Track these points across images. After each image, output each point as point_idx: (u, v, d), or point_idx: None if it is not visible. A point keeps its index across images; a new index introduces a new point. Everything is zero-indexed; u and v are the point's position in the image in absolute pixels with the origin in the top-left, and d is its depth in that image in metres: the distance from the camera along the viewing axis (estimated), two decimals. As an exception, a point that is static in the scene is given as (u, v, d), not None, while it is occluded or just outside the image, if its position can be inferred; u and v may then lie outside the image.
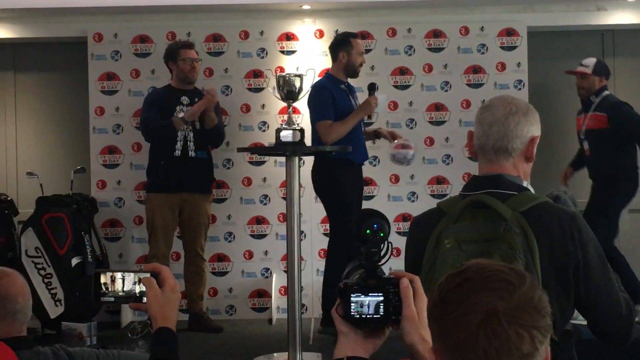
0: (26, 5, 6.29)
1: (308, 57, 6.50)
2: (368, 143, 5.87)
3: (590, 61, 5.99)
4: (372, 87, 5.58)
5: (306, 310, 6.12)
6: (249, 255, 6.50)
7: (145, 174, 6.18)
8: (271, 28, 6.56)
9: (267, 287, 6.43)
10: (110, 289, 1.95)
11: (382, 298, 1.51)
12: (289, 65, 6.47)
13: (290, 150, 5.01)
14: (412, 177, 6.52)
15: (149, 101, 5.98)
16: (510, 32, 6.56)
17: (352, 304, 1.50)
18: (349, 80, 5.75)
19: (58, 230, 5.82)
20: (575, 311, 2.26)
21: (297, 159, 5.05)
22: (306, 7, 6.44)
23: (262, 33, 6.55)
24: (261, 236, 6.51)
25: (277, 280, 6.36)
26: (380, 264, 1.54)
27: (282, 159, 5.49)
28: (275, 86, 5.23)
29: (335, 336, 1.57)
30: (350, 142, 5.43)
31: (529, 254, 2.09)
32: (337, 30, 6.41)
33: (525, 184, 2.32)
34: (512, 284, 1.29)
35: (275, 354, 5.17)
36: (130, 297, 1.96)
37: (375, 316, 1.50)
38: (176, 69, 5.94)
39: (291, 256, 5.00)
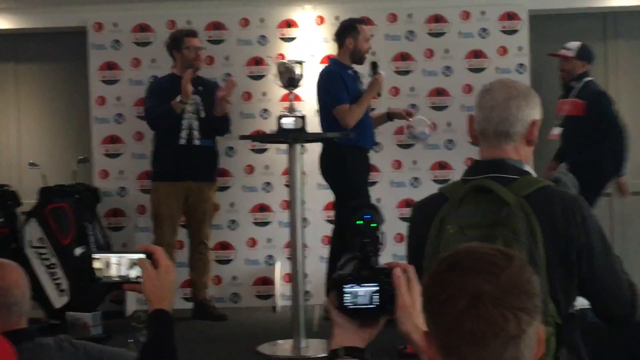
0: (25, -5, 6.28)
1: (308, 44, 6.49)
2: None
3: (574, 45, 5.91)
4: (374, 66, 5.59)
5: (310, 297, 6.13)
6: (253, 242, 6.51)
7: (147, 163, 6.18)
8: (271, 15, 6.54)
9: (270, 274, 6.43)
10: (104, 275, 1.93)
11: (375, 288, 1.51)
12: (290, 52, 6.45)
13: (292, 137, 5.00)
14: (414, 162, 6.51)
15: (151, 90, 5.97)
16: (511, 16, 6.53)
17: (346, 295, 1.51)
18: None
19: (61, 221, 5.82)
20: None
21: (299, 146, 5.04)
22: (306, -7, 6.43)
23: (262, 20, 6.54)
24: (264, 224, 6.51)
25: (281, 268, 6.37)
26: (372, 254, 1.54)
27: (284, 146, 5.48)
28: (277, 73, 5.22)
29: None
30: (359, 128, 5.44)
31: (532, 238, 2.09)
32: (337, 16, 6.40)
33: (527, 167, 2.31)
34: (498, 266, 1.30)
35: (279, 341, 5.17)
36: (125, 281, 1.94)
37: (369, 306, 1.51)
38: (181, 57, 5.93)
39: (295, 243, 5.01)
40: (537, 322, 1.30)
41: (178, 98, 5.75)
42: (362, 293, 1.51)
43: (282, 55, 6.39)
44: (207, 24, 6.50)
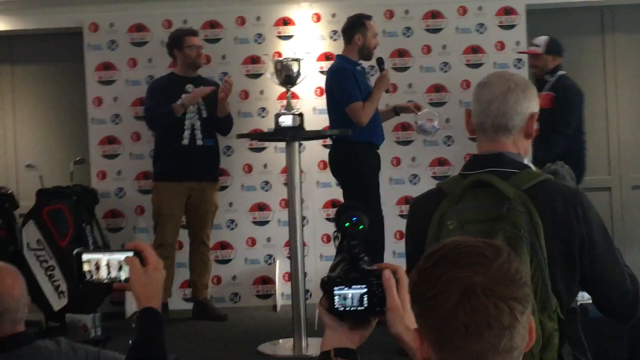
0: (20, -4, 6.25)
1: (305, 42, 6.46)
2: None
3: (542, 40, 5.82)
4: (381, 62, 5.60)
5: (310, 296, 6.10)
6: (252, 242, 6.48)
7: (145, 163, 6.15)
8: (268, 13, 6.52)
9: (270, 273, 6.41)
10: (94, 277, 1.91)
11: (365, 290, 1.51)
12: (287, 50, 6.42)
13: (290, 135, 4.98)
14: (413, 159, 6.49)
15: (152, 90, 5.94)
16: (508, 11, 6.51)
17: (336, 297, 1.51)
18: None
19: (59, 222, 5.80)
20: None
21: (297, 143, 5.02)
22: (302, -9, 6.40)
23: (258, 19, 6.51)
24: (263, 223, 6.49)
25: (281, 267, 6.34)
26: (361, 256, 1.54)
27: (282, 144, 5.46)
28: (274, 71, 5.20)
29: None
30: (370, 124, 5.43)
31: (533, 232, 2.07)
32: (334, 13, 6.39)
33: (526, 161, 2.29)
34: (487, 258, 1.30)
35: (280, 340, 5.16)
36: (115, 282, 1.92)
37: (359, 308, 1.51)
38: (182, 56, 5.90)
39: (294, 242, 4.99)
40: (529, 311, 1.31)
41: (180, 100, 5.72)
42: (351, 295, 1.51)
43: (279, 54, 6.36)
44: (204, 23, 6.47)
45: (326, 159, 6.27)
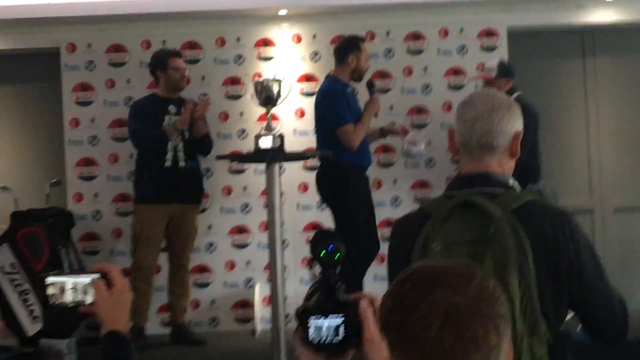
0: (-4, 17, 6.16)
1: (286, 63, 6.42)
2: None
3: (493, 64, 5.81)
4: (371, 85, 5.60)
5: (291, 320, 6.01)
6: (231, 265, 6.40)
7: (123, 185, 6.07)
8: (248, 34, 6.47)
9: (250, 297, 6.32)
10: (59, 300, 1.84)
11: (341, 320, 1.46)
12: (267, 71, 6.37)
13: (270, 156, 4.92)
14: (394, 181, 6.44)
15: (135, 112, 5.84)
16: (490, 33, 6.50)
17: (311, 328, 1.46)
18: None
19: (33, 246, 5.70)
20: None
21: (277, 165, 4.96)
22: (282, 12, 6.35)
23: (238, 39, 6.46)
24: (243, 246, 6.41)
25: (260, 291, 6.25)
26: (338, 285, 1.48)
27: (262, 167, 5.40)
28: (254, 92, 5.15)
29: None
30: (360, 147, 5.43)
31: (522, 254, 2.01)
32: (315, 35, 6.36)
33: (511, 181, 2.24)
34: (464, 277, 1.27)
35: (259, 366, 5.06)
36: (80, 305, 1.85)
37: (335, 340, 1.46)
38: (165, 78, 5.81)
39: (274, 265, 4.91)
40: (509, 330, 1.27)
41: (170, 124, 5.63)
42: (327, 326, 1.45)
43: (259, 75, 6.31)
44: (183, 44, 6.41)
45: (307, 181, 6.23)
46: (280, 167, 5.07)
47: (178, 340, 5.84)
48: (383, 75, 6.45)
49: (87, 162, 6.40)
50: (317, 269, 1.51)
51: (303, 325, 1.46)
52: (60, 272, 1.97)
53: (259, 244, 6.31)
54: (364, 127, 5.46)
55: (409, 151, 5.66)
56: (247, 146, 6.05)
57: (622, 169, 6.70)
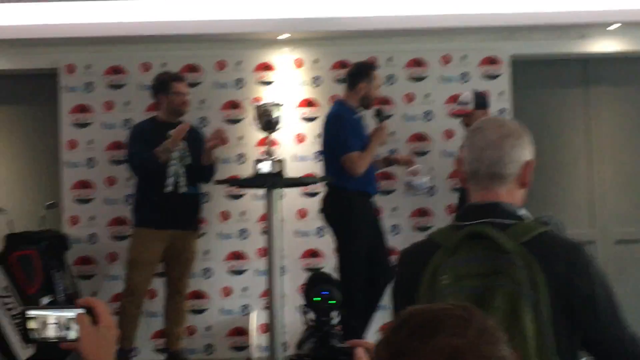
0: (-5, 37, 6.10)
1: (286, 87, 6.36)
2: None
3: (467, 96, 5.73)
4: (379, 113, 5.57)
5: (288, 348, 5.91)
6: (227, 292, 6.30)
7: (119, 209, 5.99)
8: (248, 58, 6.42)
9: (246, 325, 6.22)
10: (40, 335, 1.73)
11: None
12: (267, 95, 6.32)
13: (270, 182, 4.85)
14: (394, 209, 6.37)
15: (135, 135, 5.75)
16: (492, 61, 6.46)
17: None
18: None
19: (27, 269, 5.61)
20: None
21: (277, 191, 4.90)
22: (283, 36, 6.31)
23: (239, 63, 6.41)
24: (240, 272, 6.32)
25: (257, 318, 6.15)
26: (332, 332, 1.41)
27: (261, 192, 5.33)
28: (254, 116, 5.09)
29: None
30: (367, 174, 5.38)
31: (534, 289, 1.93)
32: (316, 59, 6.32)
33: (522, 212, 2.16)
34: (463, 319, 1.23)
35: (255, 395, 4.97)
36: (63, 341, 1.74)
37: None
38: (167, 102, 5.72)
39: (272, 292, 4.82)
40: None
41: (162, 146, 5.55)
42: None
43: (259, 99, 6.25)
44: (183, 67, 6.35)
45: (305, 207, 6.16)
46: (280, 192, 5.00)
47: (172, 367, 5.75)
48: (384, 101, 6.39)
49: (84, 184, 6.33)
50: (311, 314, 1.43)
51: None
52: (43, 306, 1.86)
53: (256, 270, 6.22)
54: (370, 155, 5.43)
55: (410, 182, 5.63)
56: (245, 171, 5.99)
57: (624, 200, 6.65)
